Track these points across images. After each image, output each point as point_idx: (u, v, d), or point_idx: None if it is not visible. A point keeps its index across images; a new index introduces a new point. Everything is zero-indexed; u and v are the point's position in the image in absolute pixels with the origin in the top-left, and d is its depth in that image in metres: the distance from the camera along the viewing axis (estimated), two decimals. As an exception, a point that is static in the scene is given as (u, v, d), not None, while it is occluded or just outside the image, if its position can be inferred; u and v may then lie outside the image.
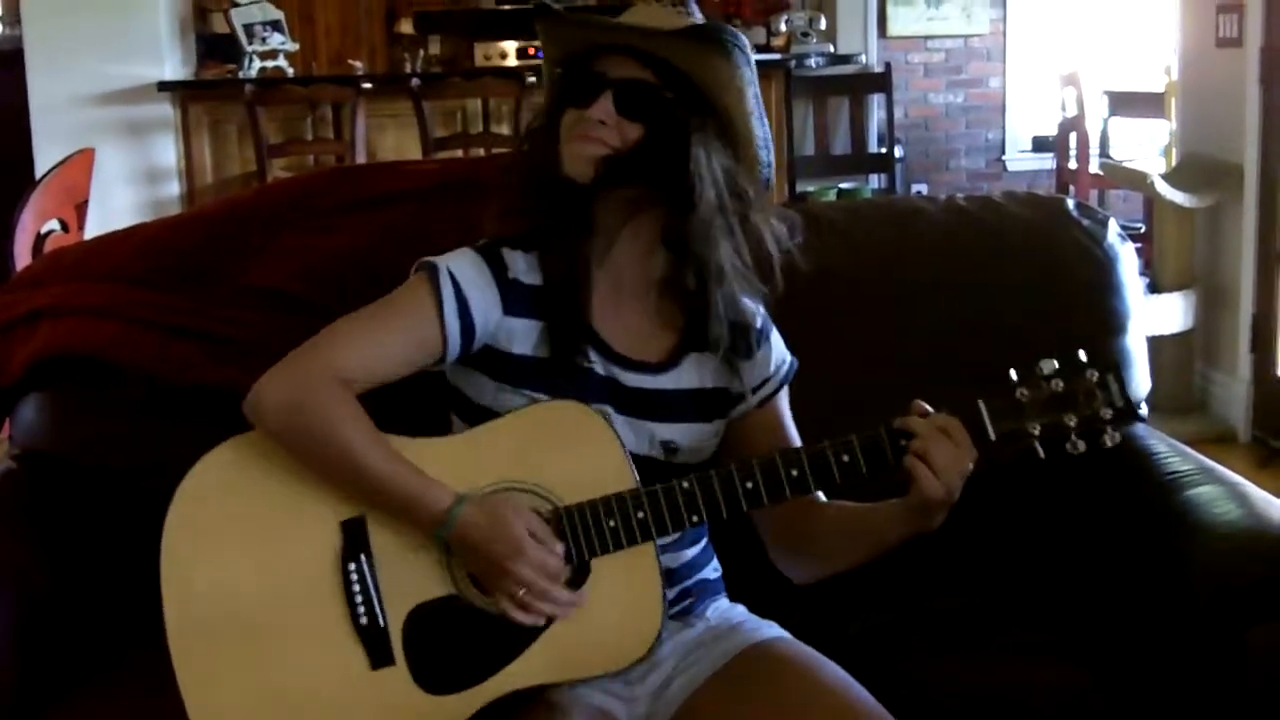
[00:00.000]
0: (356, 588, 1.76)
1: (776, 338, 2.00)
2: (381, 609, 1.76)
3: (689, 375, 1.92)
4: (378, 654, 1.76)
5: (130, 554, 1.91)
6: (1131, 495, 2.23)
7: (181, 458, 1.80)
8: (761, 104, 1.88)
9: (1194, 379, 5.30)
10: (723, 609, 2.00)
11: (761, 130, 1.88)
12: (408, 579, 1.77)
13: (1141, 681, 1.98)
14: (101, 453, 2.26)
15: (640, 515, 1.76)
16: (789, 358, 2.01)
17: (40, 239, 4.62)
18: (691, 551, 1.95)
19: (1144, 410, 2.45)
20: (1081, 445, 1.75)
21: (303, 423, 1.75)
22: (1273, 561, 1.95)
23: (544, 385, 1.84)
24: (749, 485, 1.77)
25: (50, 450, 2.29)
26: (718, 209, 1.83)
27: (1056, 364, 1.75)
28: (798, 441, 1.97)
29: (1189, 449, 2.31)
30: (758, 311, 1.97)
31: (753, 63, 1.86)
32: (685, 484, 1.77)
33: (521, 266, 1.86)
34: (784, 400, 2.00)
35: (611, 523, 1.76)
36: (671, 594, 1.92)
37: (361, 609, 1.76)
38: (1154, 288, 5.20)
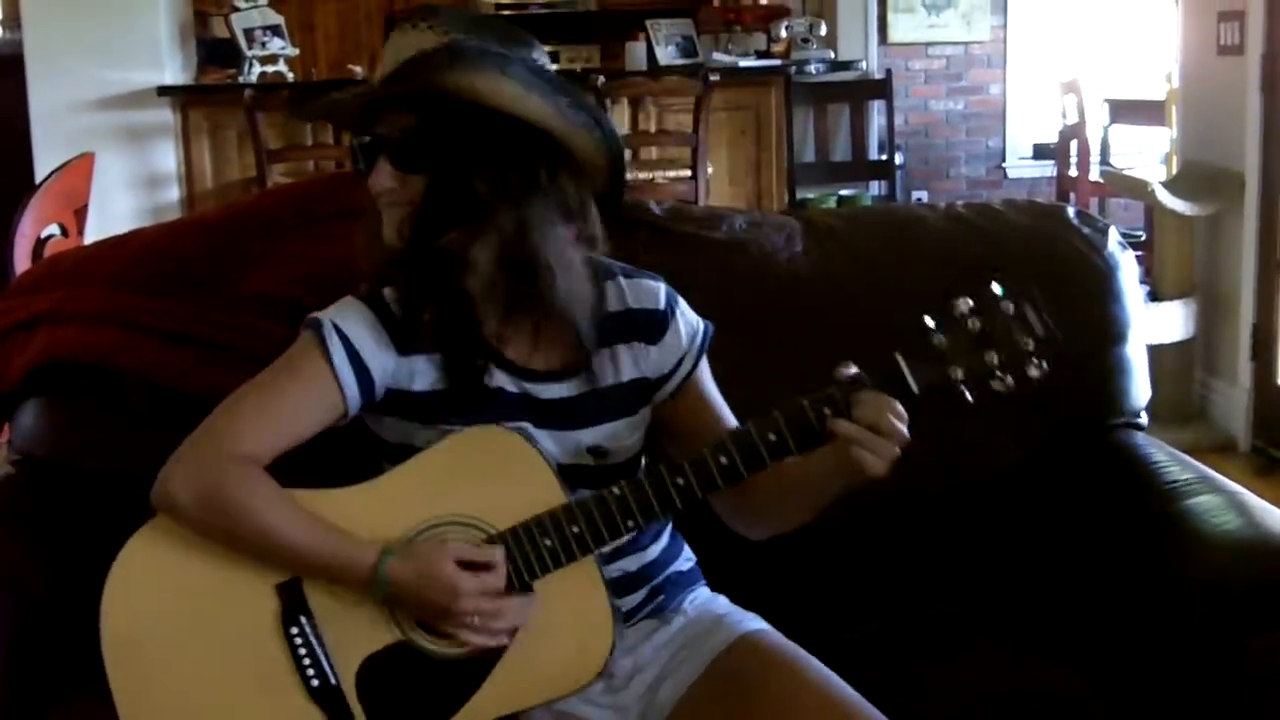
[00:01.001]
0: (302, 650, 1.74)
1: (683, 310, 1.96)
2: (332, 667, 1.74)
3: (601, 373, 1.89)
4: (336, 713, 1.74)
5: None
6: (1131, 503, 2.22)
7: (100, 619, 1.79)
8: (544, 77, 1.78)
9: (1194, 388, 5.29)
10: (702, 600, 1.99)
11: (553, 104, 1.76)
12: (352, 632, 1.75)
13: (1140, 690, 1.98)
14: (100, 458, 2.26)
15: (575, 529, 1.73)
16: (701, 325, 1.97)
17: (40, 244, 4.61)
18: (655, 549, 1.94)
19: (1143, 418, 2.45)
20: (1009, 380, 1.70)
21: (215, 510, 1.73)
22: (1272, 570, 1.95)
23: (456, 416, 1.81)
24: (680, 482, 1.73)
25: (49, 455, 2.29)
26: (524, 212, 1.77)
27: (971, 301, 1.70)
28: (728, 413, 1.95)
29: (1188, 458, 2.30)
30: (658, 291, 1.94)
31: (507, 49, 1.78)
32: (616, 490, 1.74)
33: (401, 305, 1.83)
34: (705, 373, 1.97)
35: (548, 541, 1.73)
36: (639, 596, 1.92)
37: (311, 671, 1.74)
38: (1154, 296, 5.19)
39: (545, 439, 1.84)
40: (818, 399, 1.71)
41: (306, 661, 1.74)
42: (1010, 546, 2.31)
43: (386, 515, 1.76)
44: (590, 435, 1.88)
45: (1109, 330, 2.39)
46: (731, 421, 1.94)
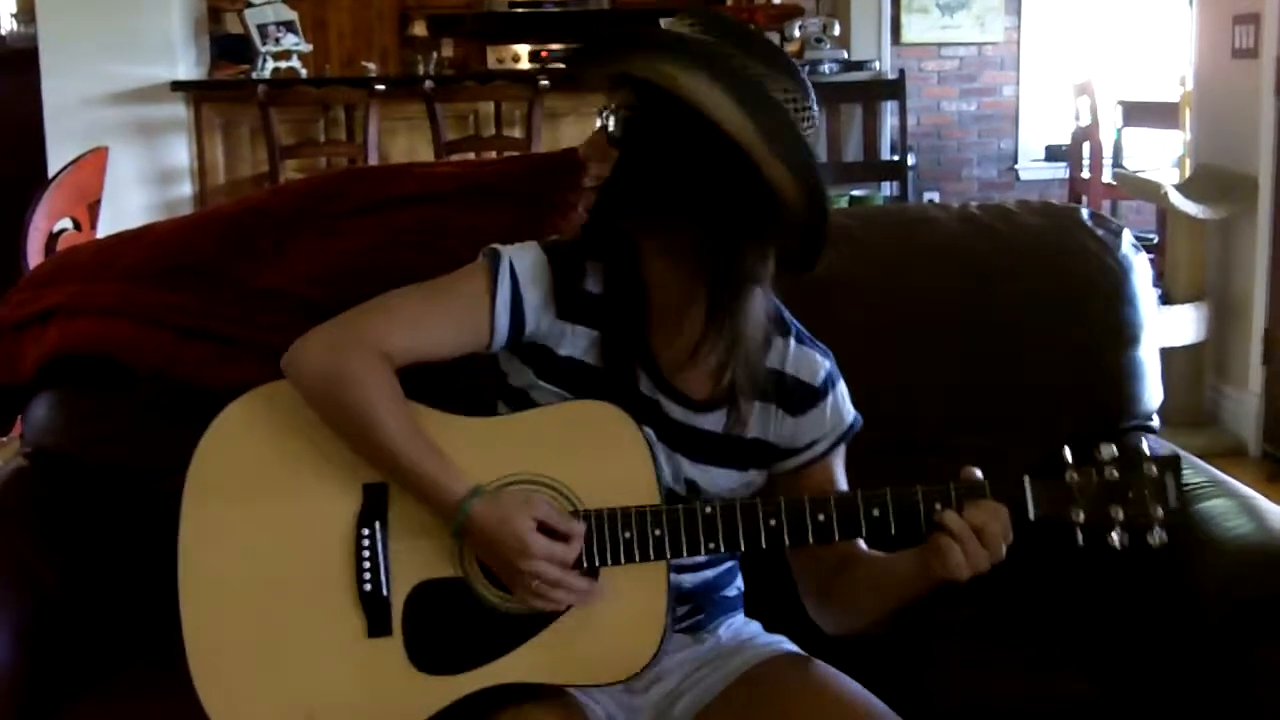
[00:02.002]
0: (366, 554, 1.77)
1: (839, 395, 1.92)
2: (387, 579, 1.77)
3: (730, 421, 1.87)
4: (376, 622, 1.77)
5: (141, 553, 1.91)
6: (1142, 507, 2.22)
7: (191, 458, 1.80)
8: (769, 104, 1.72)
9: (1205, 392, 5.28)
10: (736, 626, 1.98)
11: (759, 128, 1.68)
12: (418, 554, 1.78)
13: (1150, 695, 1.98)
14: (112, 452, 2.26)
15: (657, 533, 1.74)
16: (850, 417, 1.93)
17: (53, 238, 4.63)
18: (713, 572, 1.94)
19: (1155, 422, 2.45)
20: (1125, 540, 1.71)
21: (336, 390, 1.76)
22: (1284, 576, 1.94)
23: (582, 390, 1.83)
24: (772, 523, 1.74)
25: (62, 449, 2.29)
26: (728, 231, 1.73)
27: (1115, 450, 1.71)
28: None
29: (1200, 461, 2.30)
30: (819, 368, 1.91)
31: (739, 74, 1.71)
32: (708, 509, 1.75)
33: (585, 273, 1.85)
34: (837, 460, 1.94)
35: (627, 534, 1.74)
36: (683, 609, 1.91)
37: (368, 575, 1.77)
38: (1166, 299, 5.18)
39: (657, 450, 1.82)
40: (933, 491, 1.72)
41: (367, 565, 1.77)
42: (1022, 551, 2.30)
43: (487, 454, 1.78)
44: (692, 469, 1.87)
45: (1121, 333, 2.38)
46: None
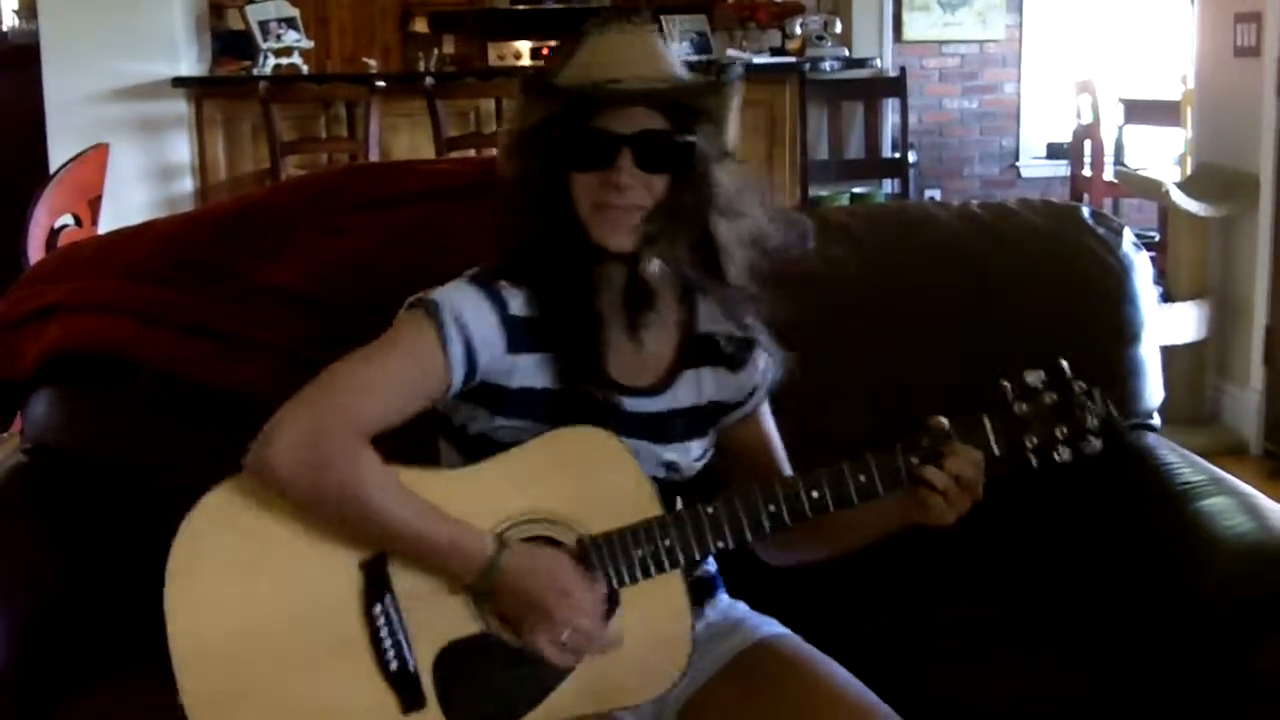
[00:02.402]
0: (384, 631, 1.72)
1: (766, 341, 1.97)
2: (410, 651, 1.72)
3: (685, 394, 1.90)
4: (409, 698, 1.72)
5: (142, 550, 1.91)
6: (1142, 506, 2.22)
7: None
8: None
9: (1206, 390, 5.28)
10: (723, 606, 1.99)
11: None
12: (435, 618, 1.73)
13: (1150, 693, 1.98)
14: (113, 448, 2.26)
15: (668, 543, 1.75)
16: (773, 363, 1.98)
17: (54, 234, 4.63)
18: None
19: (1156, 420, 2.45)
20: (1067, 454, 1.77)
21: (323, 487, 1.68)
22: (1284, 575, 1.94)
23: (544, 415, 1.80)
24: (772, 509, 1.77)
25: (62, 445, 2.29)
26: (732, 228, 1.84)
27: (1044, 375, 1.77)
28: (780, 446, 1.99)
29: (1200, 460, 2.29)
30: (752, 318, 1.96)
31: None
32: (710, 509, 1.76)
33: (519, 301, 1.82)
34: (767, 405, 2.00)
35: (639, 552, 1.74)
36: None
37: (390, 653, 1.72)
38: (1167, 297, 5.17)
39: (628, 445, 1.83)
40: (911, 449, 1.76)
41: (387, 643, 1.72)
42: (1021, 548, 2.31)
43: (479, 503, 1.74)
44: (668, 452, 1.88)
45: (1122, 331, 2.38)
46: (783, 454, 1.98)
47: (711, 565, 2.02)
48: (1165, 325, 4.77)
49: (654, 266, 1.84)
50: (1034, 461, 1.77)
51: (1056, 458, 1.77)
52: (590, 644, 1.72)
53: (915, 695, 1.86)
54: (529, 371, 1.82)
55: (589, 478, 1.77)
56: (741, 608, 2.00)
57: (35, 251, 4.37)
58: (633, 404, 1.86)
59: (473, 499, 1.75)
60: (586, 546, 1.74)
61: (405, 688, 1.72)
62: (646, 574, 1.75)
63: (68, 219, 4.85)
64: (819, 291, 2.36)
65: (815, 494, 1.76)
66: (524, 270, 1.83)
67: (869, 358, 2.33)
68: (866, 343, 2.34)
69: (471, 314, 1.78)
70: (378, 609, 1.72)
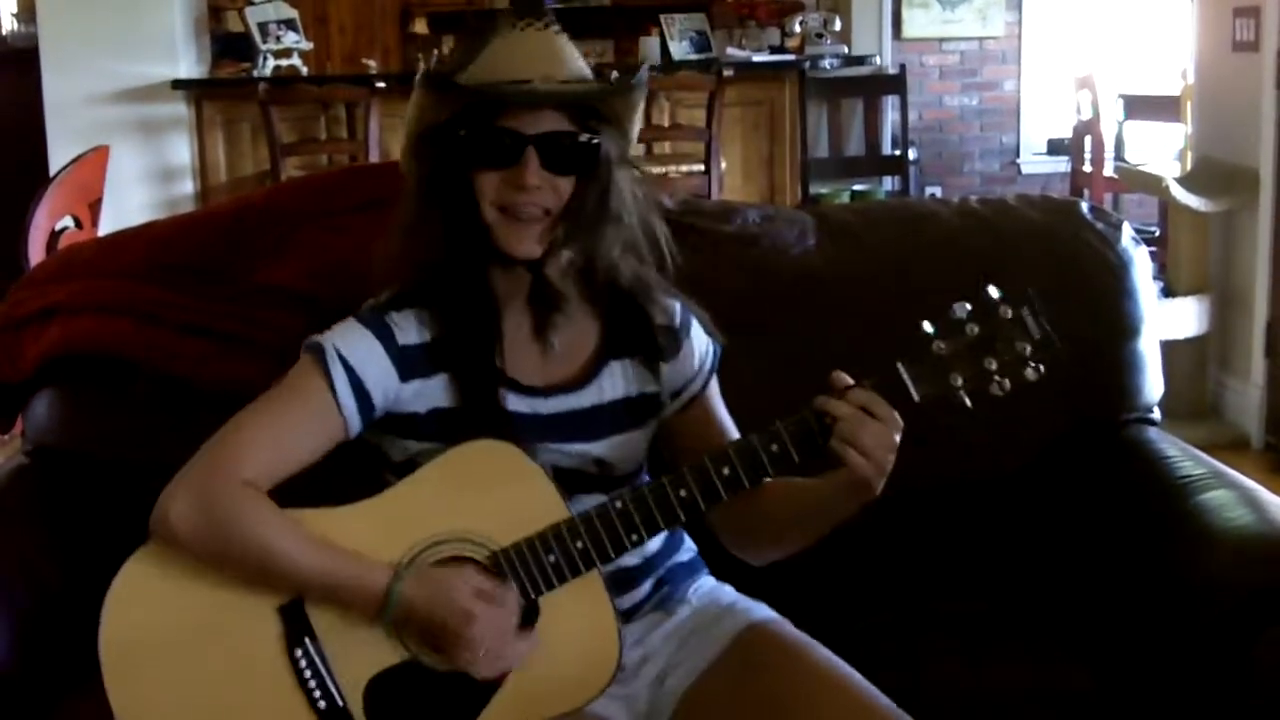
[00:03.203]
0: (308, 673, 1.72)
1: (696, 329, 1.96)
2: (338, 689, 1.73)
3: (612, 386, 1.90)
4: None
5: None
6: (1142, 499, 2.22)
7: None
8: None
9: (1207, 384, 5.28)
10: (707, 589, 1.99)
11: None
12: (358, 652, 1.73)
13: (1150, 687, 1.98)
14: (114, 449, 2.26)
15: (579, 545, 1.73)
16: (711, 346, 1.97)
17: (54, 236, 4.63)
18: (654, 543, 1.93)
19: (1156, 414, 2.45)
20: (1007, 385, 1.70)
21: (216, 538, 1.70)
22: (1284, 567, 1.94)
23: (459, 434, 1.80)
24: (683, 494, 1.74)
25: (63, 446, 2.29)
26: (631, 224, 1.85)
27: (969, 306, 1.70)
28: (732, 429, 1.95)
29: (1201, 453, 2.30)
30: (674, 308, 1.95)
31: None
32: (619, 504, 1.74)
33: (411, 328, 1.83)
34: (713, 392, 1.98)
35: (551, 558, 1.73)
36: (644, 590, 1.92)
37: (318, 693, 1.72)
38: (1168, 292, 5.18)
39: (553, 452, 1.83)
40: (816, 405, 1.71)
41: (313, 684, 1.72)
42: (1021, 542, 2.31)
43: (387, 533, 1.74)
44: (598, 448, 1.88)
45: (1122, 326, 2.39)
46: (736, 438, 1.94)
47: (691, 549, 2.01)
48: (1166, 320, 4.77)
49: (558, 267, 1.83)
50: (967, 401, 1.70)
51: (995, 391, 1.70)
52: (502, 660, 1.71)
53: (913, 689, 1.86)
54: (432, 394, 1.83)
55: (492, 490, 1.76)
56: (729, 590, 2.00)
57: (36, 254, 4.36)
58: (548, 405, 1.86)
59: (378, 530, 1.75)
60: (499, 560, 1.74)
61: None
62: (562, 579, 1.74)
63: (68, 221, 4.85)
64: (819, 289, 2.36)
65: (726, 471, 1.73)
66: (420, 292, 1.84)
67: (870, 354, 2.32)
68: (866, 339, 2.34)
69: (357, 350, 1.80)
70: (298, 652, 1.73)
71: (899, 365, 1.71)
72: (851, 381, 1.72)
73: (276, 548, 1.70)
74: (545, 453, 1.82)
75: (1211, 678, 1.89)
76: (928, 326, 1.71)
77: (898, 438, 1.69)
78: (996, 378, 1.70)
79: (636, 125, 1.88)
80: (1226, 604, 1.91)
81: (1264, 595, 1.90)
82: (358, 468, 1.86)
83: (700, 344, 1.96)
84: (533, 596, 1.74)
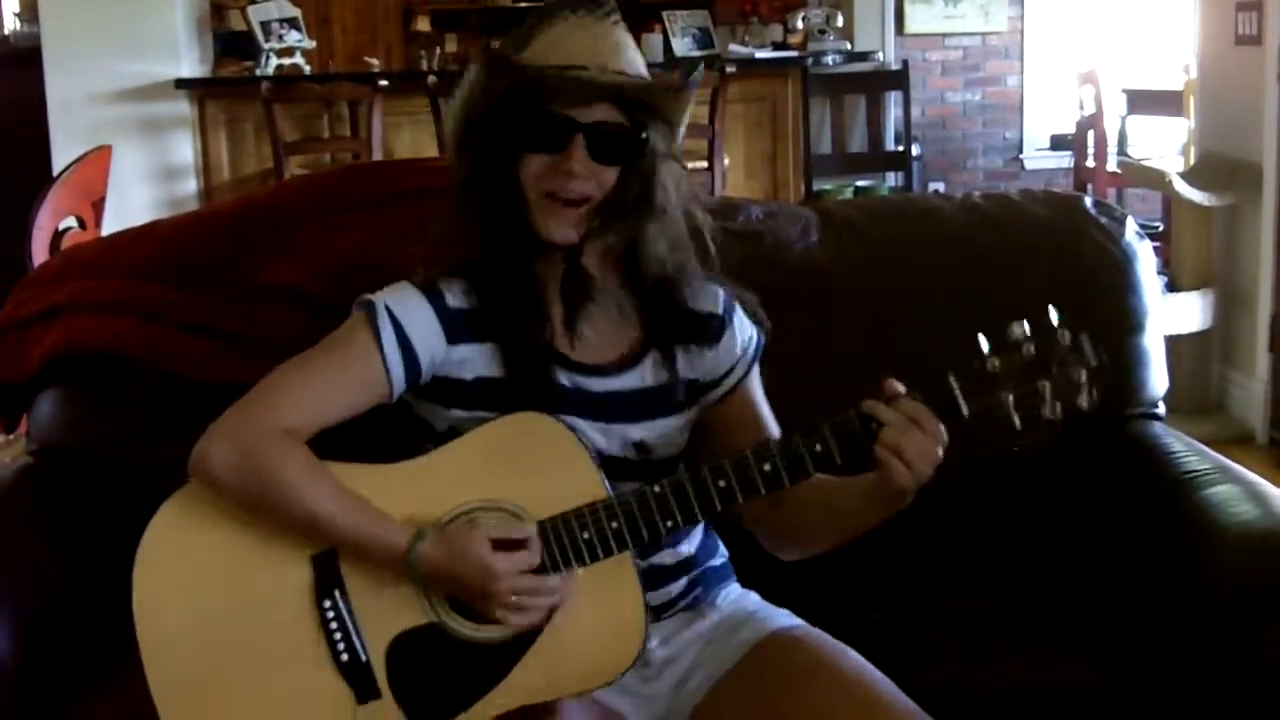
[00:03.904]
0: (334, 624, 1.74)
1: (740, 316, 1.96)
2: (362, 642, 1.74)
3: (654, 371, 1.90)
4: (363, 688, 1.74)
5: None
6: (1148, 494, 2.22)
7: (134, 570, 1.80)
8: None
9: (1212, 379, 5.28)
10: (734, 597, 1.99)
11: None
12: (385, 609, 1.75)
13: (1156, 682, 1.98)
14: (118, 448, 2.27)
15: (614, 525, 1.74)
16: (754, 334, 1.97)
17: (57, 236, 4.63)
18: (691, 545, 1.94)
19: (1160, 409, 2.45)
20: (1058, 409, 1.68)
21: (252, 483, 1.72)
22: (1290, 562, 1.94)
23: (503, 405, 1.81)
24: (721, 484, 1.73)
25: (67, 445, 2.30)
26: (674, 217, 1.85)
27: (1028, 327, 1.68)
28: (772, 422, 1.95)
29: (1206, 448, 2.29)
30: (718, 295, 1.95)
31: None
32: (657, 489, 1.74)
33: (457, 293, 1.84)
34: (754, 381, 1.97)
35: (586, 535, 1.73)
36: (677, 588, 1.92)
37: (341, 645, 1.74)
38: (1172, 287, 5.18)
39: (592, 431, 1.84)
40: (867, 414, 1.70)
41: (337, 635, 1.74)
42: (1026, 538, 2.31)
43: (424, 496, 1.76)
44: (638, 431, 1.88)
45: (1126, 321, 2.38)
46: (775, 430, 1.94)
47: (723, 555, 2.01)
48: (1170, 315, 4.77)
49: (595, 255, 1.84)
50: (1017, 422, 1.68)
51: (1047, 414, 1.67)
52: (542, 596, 1.71)
53: (919, 686, 1.86)
54: (479, 362, 1.84)
55: (534, 463, 1.77)
56: (754, 599, 2.00)
57: (39, 254, 4.36)
58: (598, 384, 1.86)
59: (418, 491, 1.76)
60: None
61: (358, 679, 1.74)
62: (595, 557, 1.74)
63: (71, 221, 4.85)
64: (823, 285, 2.36)
65: (767, 467, 1.72)
66: (465, 268, 1.85)
67: (872, 350, 2.33)
68: (869, 335, 2.34)
69: (407, 309, 1.81)
70: (327, 603, 1.75)
71: (950, 377, 1.70)
72: (903, 390, 1.70)
73: (304, 495, 1.72)
74: (586, 432, 1.82)
75: (1217, 673, 1.89)
76: (983, 342, 1.69)
77: (941, 452, 1.68)
78: (1049, 401, 1.68)
79: (685, 123, 1.88)
80: (1232, 599, 1.91)
81: (1269, 591, 1.90)
82: (401, 439, 1.87)
83: (744, 332, 1.96)
84: (563, 570, 1.74)
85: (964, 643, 2.12)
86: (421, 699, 1.75)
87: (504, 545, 1.70)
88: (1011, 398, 1.68)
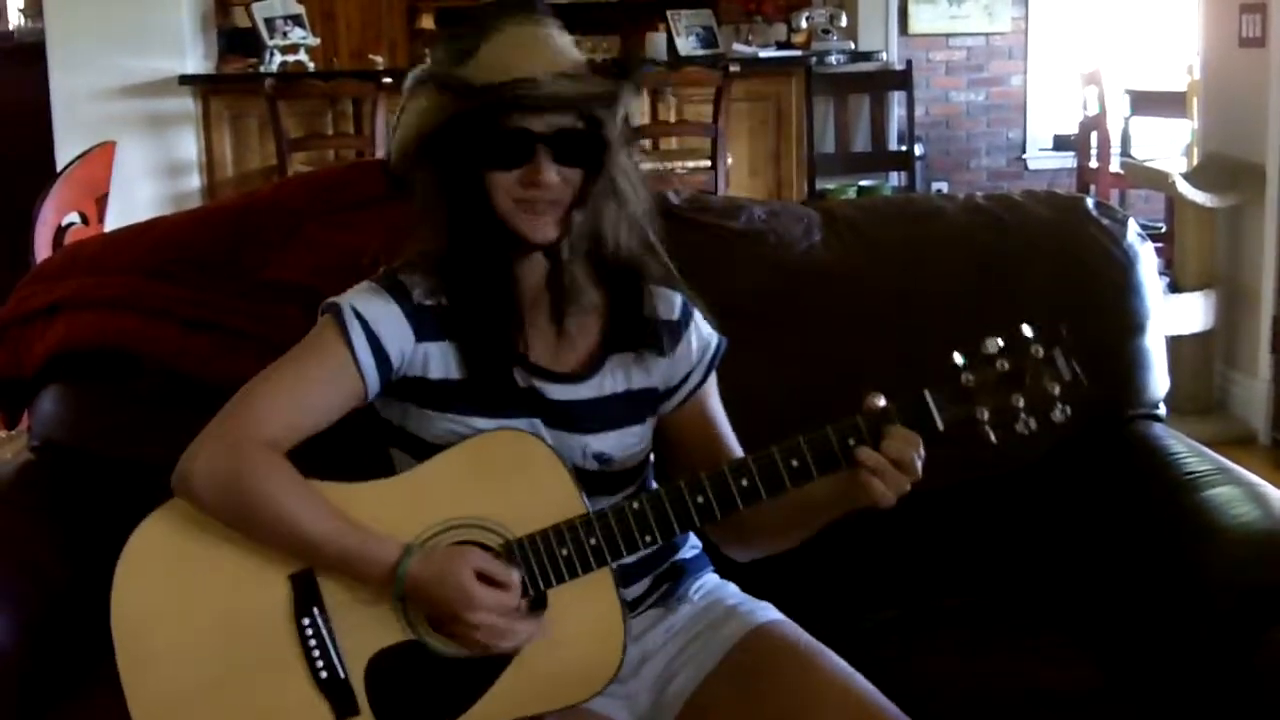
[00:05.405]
0: (313, 642, 1.75)
1: (698, 322, 1.96)
2: (340, 660, 1.75)
3: (613, 380, 1.90)
4: (342, 706, 1.75)
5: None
6: (1148, 495, 2.22)
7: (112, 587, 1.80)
8: None
9: (1214, 379, 5.27)
10: (709, 587, 1.99)
11: None
12: (364, 627, 1.75)
13: (1155, 683, 1.98)
14: (120, 445, 2.27)
15: (593, 541, 1.74)
16: (713, 340, 1.97)
17: (60, 232, 4.64)
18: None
19: (1162, 410, 2.45)
20: (1033, 424, 1.70)
21: (234, 497, 1.72)
22: (1291, 563, 1.94)
23: (468, 406, 1.82)
24: (700, 501, 1.74)
25: (69, 442, 2.30)
26: (635, 199, 1.85)
27: (1001, 342, 1.70)
28: (727, 428, 1.96)
29: (1207, 449, 2.29)
30: (674, 301, 1.95)
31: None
32: (636, 505, 1.75)
33: (423, 290, 1.84)
34: (711, 388, 1.97)
35: (564, 551, 1.74)
36: (643, 585, 1.93)
37: (320, 663, 1.74)
38: (1175, 287, 5.18)
39: (550, 440, 1.84)
40: (844, 428, 1.71)
41: (316, 653, 1.74)
42: (1027, 538, 2.31)
43: (404, 513, 1.76)
44: (597, 441, 1.88)
45: (1128, 322, 2.38)
46: (732, 438, 1.95)
47: (695, 546, 2.02)
48: (1173, 315, 4.77)
49: (571, 253, 1.84)
50: (992, 436, 1.70)
51: (1020, 429, 1.70)
52: (509, 638, 1.72)
53: (918, 686, 1.87)
54: (444, 361, 1.84)
55: (512, 480, 1.78)
56: (733, 590, 2.00)
57: (42, 249, 4.37)
58: (555, 391, 1.87)
59: (398, 509, 1.77)
60: (512, 548, 1.75)
61: (337, 696, 1.75)
62: (573, 573, 1.74)
63: (74, 217, 4.86)
64: (825, 285, 2.36)
65: (745, 482, 1.73)
66: (433, 265, 1.85)
67: (874, 350, 2.33)
68: (870, 335, 2.34)
69: (375, 310, 1.81)
70: (305, 621, 1.75)
71: (925, 393, 1.72)
72: (884, 402, 1.72)
73: (294, 512, 1.72)
74: (546, 440, 1.82)
75: (1217, 674, 1.89)
76: (958, 358, 1.71)
77: (919, 474, 1.70)
78: (1023, 415, 1.70)
79: (634, 104, 1.88)
80: (1232, 600, 1.91)
81: (1270, 592, 1.90)
82: (360, 445, 1.88)
83: (702, 335, 1.96)
84: (542, 587, 1.74)
85: (964, 643, 2.12)
86: (401, 716, 1.76)
87: (488, 579, 1.71)
88: (986, 412, 1.70)
